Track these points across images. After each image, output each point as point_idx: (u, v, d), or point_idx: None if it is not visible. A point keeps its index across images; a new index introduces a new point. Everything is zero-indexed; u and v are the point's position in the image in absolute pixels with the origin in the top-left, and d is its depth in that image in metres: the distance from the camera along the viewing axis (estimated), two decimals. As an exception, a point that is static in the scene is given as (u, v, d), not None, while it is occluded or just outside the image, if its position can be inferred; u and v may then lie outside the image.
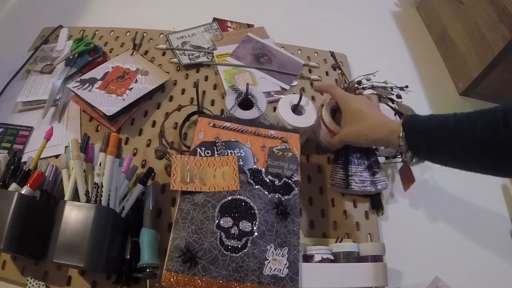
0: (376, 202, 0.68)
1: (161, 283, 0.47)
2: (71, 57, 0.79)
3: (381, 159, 0.71)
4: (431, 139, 0.49)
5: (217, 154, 0.56)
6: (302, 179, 0.63)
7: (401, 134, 0.50)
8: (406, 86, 0.72)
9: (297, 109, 0.68)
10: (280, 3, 1.09)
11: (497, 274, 0.65)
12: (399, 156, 0.71)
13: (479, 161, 0.46)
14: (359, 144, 0.60)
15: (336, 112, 0.69)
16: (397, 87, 0.73)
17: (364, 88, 0.74)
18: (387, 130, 0.53)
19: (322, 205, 0.67)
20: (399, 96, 0.72)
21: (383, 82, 0.73)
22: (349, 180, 0.65)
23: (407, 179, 0.68)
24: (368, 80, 0.75)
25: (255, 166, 0.56)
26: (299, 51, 0.93)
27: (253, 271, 0.48)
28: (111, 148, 0.55)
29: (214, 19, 0.96)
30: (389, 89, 0.73)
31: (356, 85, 0.74)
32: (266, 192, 0.54)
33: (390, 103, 0.75)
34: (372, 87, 0.74)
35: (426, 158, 0.51)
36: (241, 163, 0.56)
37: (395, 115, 0.75)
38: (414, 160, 0.51)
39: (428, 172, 0.76)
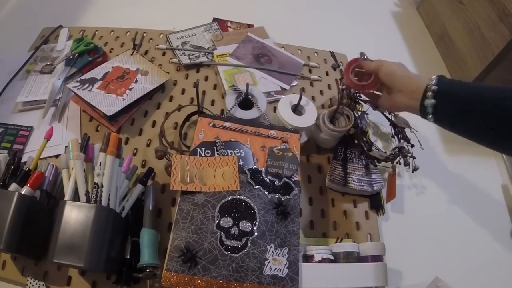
0: (376, 202, 0.68)
1: (161, 283, 0.47)
2: (71, 57, 0.78)
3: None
4: (461, 90, 0.50)
5: (217, 154, 0.56)
6: (302, 179, 0.63)
7: (434, 77, 0.51)
8: None
9: (297, 109, 0.68)
10: (280, 3, 1.09)
11: (497, 274, 0.65)
12: (391, 160, 0.70)
13: (495, 129, 0.47)
14: (388, 71, 0.58)
15: (333, 117, 0.70)
16: None
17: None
18: (419, 75, 0.55)
19: (322, 205, 0.67)
20: None
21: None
22: (347, 178, 0.65)
23: (391, 190, 0.68)
24: None
25: (255, 166, 0.56)
26: (299, 51, 0.93)
27: (253, 271, 0.48)
28: (111, 148, 0.55)
29: (214, 19, 0.96)
30: None
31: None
32: (266, 192, 0.54)
33: (387, 114, 0.75)
34: None
35: (447, 106, 0.51)
36: (241, 163, 0.56)
37: (390, 125, 0.75)
38: (431, 103, 0.51)
39: (428, 172, 0.76)
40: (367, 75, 0.62)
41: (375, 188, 0.66)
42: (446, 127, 0.53)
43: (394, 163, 0.70)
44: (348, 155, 0.68)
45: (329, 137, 0.69)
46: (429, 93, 0.51)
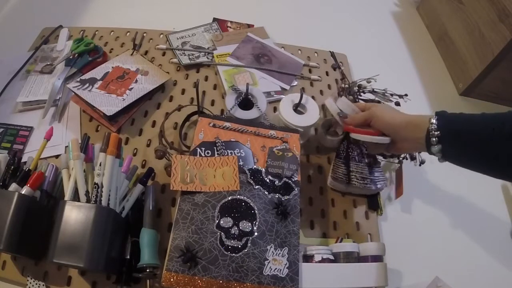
0: (373, 203, 0.68)
1: (161, 283, 0.47)
2: (71, 57, 0.79)
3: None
4: (462, 126, 0.49)
5: (217, 154, 0.56)
6: (302, 179, 0.63)
7: (434, 117, 0.50)
8: (406, 95, 0.73)
9: (298, 109, 0.68)
10: (280, 3, 1.09)
11: (497, 274, 0.65)
12: (397, 156, 0.71)
13: (504, 159, 0.46)
14: (382, 123, 0.57)
15: (330, 125, 0.71)
16: (397, 94, 0.73)
17: (364, 92, 0.74)
18: (417, 116, 0.54)
19: (322, 205, 0.67)
20: (397, 104, 0.72)
21: (383, 90, 0.74)
22: (351, 176, 0.65)
23: (399, 186, 0.69)
24: (368, 82, 0.75)
25: (255, 166, 0.56)
26: (299, 51, 0.93)
27: (253, 271, 0.48)
28: (111, 148, 0.55)
29: (214, 19, 0.96)
30: (389, 95, 0.73)
31: (356, 88, 0.74)
32: (266, 192, 0.54)
33: None
34: (373, 91, 0.74)
35: (453, 146, 0.50)
36: (241, 163, 0.56)
37: None
38: (436, 147, 0.50)
39: (429, 172, 0.76)
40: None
41: (378, 186, 0.66)
42: (459, 165, 0.51)
43: (401, 158, 0.70)
44: (350, 153, 0.67)
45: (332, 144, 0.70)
46: (433, 139, 0.50)
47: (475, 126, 0.47)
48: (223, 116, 0.63)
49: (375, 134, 0.58)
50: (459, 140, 0.49)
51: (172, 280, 0.46)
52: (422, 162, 0.70)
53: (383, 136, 0.57)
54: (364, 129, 0.60)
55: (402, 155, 0.71)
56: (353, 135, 0.61)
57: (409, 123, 0.54)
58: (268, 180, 0.55)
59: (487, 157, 0.48)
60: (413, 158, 0.70)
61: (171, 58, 0.85)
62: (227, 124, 0.60)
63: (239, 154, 0.57)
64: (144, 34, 0.90)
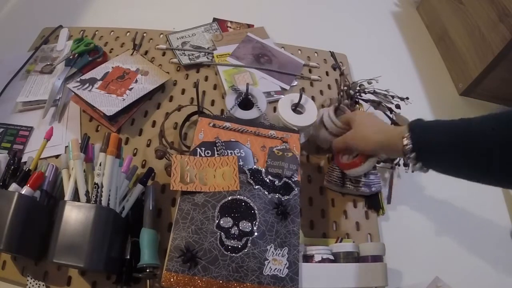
0: (374, 202, 0.68)
1: (161, 283, 0.47)
2: (71, 57, 0.79)
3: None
4: (437, 137, 0.47)
5: (217, 154, 0.56)
6: (302, 179, 0.63)
7: (406, 134, 0.49)
8: (407, 98, 0.72)
9: (297, 109, 0.68)
10: (280, 3, 1.09)
11: (497, 274, 0.65)
12: (390, 160, 0.71)
13: (484, 164, 0.44)
14: (360, 148, 0.58)
15: (336, 111, 0.69)
16: (398, 97, 0.73)
17: (365, 92, 0.74)
18: (392, 133, 0.53)
19: (322, 205, 0.67)
20: (398, 106, 0.72)
21: (385, 91, 0.73)
22: (345, 179, 0.65)
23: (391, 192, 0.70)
24: (369, 83, 0.75)
25: (255, 166, 0.56)
26: (299, 51, 0.93)
27: (253, 271, 0.48)
28: (111, 148, 0.55)
29: (214, 19, 0.96)
30: (390, 97, 0.73)
31: (358, 89, 0.74)
32: (266, 192, 0.54)
33: (388, 113, 0.75)
34: (374, 93, 0.73)
35: (430, 159, 0.49)
36: (241, 163, 0.56)
37: (391, 124, 0.75)
38: (417, 165, 0.49)
39: (428, 172, 0.75)
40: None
41: (373, 189, 0.66)
42: (444, 174, 0.50)
43: (394, 164, 0.70)
44: None
45: (332, 134, 0.68)
46: (409, 155, 0.49)
47: (452, 135, 0.46)
48: (223, 116, 0.63)
49: (363, 158, 0.61)
50: (437, 154, 0.48)
51: (172, 280, 0.46)
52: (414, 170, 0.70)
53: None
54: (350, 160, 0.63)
55: (396, 161, 0.70)
56: (348, 172, 0.63)
57: (384, 146, 0.54)
58: (268, 180, 0.55)
59: (470, 167, 0.46)
60: (406, 165, 0.69)
61: (171, 58, 0.85)
62: (227, 124, 0.60)
63: (239, 154, 0.57)
64: (144, 34, 0.90)
